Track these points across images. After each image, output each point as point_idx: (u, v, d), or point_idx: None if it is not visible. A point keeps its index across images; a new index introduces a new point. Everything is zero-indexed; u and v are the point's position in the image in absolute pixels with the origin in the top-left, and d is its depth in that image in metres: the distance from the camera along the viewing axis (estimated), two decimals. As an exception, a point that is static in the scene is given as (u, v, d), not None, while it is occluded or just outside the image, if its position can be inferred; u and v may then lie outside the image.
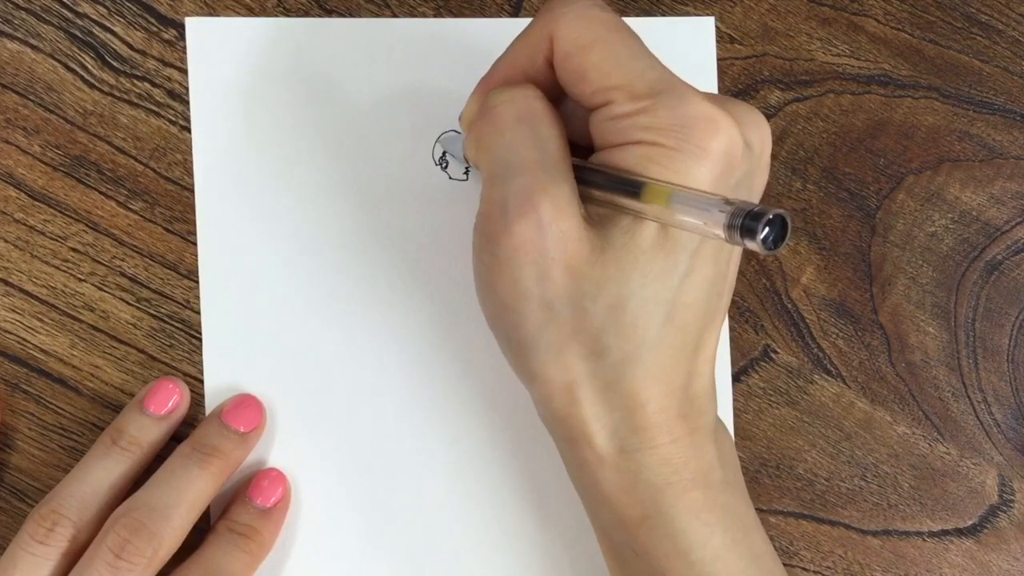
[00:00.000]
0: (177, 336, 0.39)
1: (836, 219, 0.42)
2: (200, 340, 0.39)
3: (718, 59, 0.42)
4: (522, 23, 0.41)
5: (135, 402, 0.37)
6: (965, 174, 0.42)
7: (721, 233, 0.26)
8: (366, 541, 0.39)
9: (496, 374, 0.39)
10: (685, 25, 0.42)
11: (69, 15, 0.39)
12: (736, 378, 0.41)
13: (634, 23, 0.41)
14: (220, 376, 0.39)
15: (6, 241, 0.39)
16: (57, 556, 0.34)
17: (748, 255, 0.41)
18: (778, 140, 0.42)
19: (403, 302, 0.40)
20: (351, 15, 0.40)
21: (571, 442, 0.32)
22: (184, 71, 0.40)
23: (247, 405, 0.38)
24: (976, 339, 0.42)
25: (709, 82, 0.41)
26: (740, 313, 0.41)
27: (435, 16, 0.41)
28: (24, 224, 0.39)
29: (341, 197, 0.40)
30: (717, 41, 0.42)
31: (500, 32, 0.41)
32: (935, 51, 0.43)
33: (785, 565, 0.36)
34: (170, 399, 0.37)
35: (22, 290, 0.39)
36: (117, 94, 0.39)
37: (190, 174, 0.39)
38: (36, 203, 0.39)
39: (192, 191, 0.39)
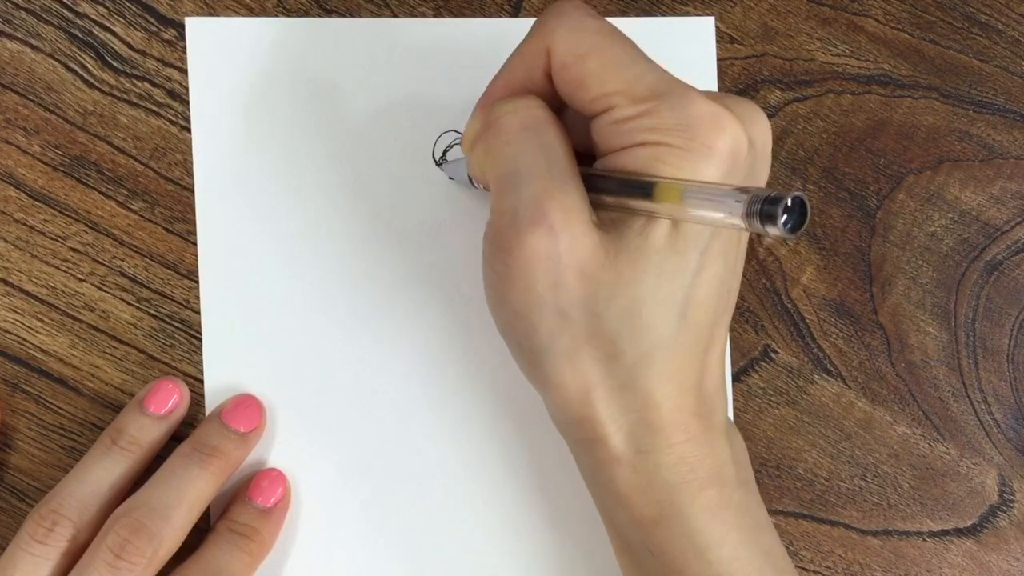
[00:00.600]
0: (177, 336, 0.39)
1: (836, 219, 0.42)
2: (200, 340, 0.39)
3: (718, 59, 0.42)
4: (522, 23, 0.41)
5: (135, 402, 0.37)
6: (965, 174, 0.42)
7: (740, 223, 0.26)
8: (366, 541, 0.39)
9: (496, 373, 0.39)
10: (685, 25, 0.42)
11: (69, 15, 0.39)
12: (736, 378, 0.41)
13: (634, 23, 0.41)
14: (220, 376, 0.39)
15: (6, 241, 0.39)
16: (57, 556, 0.34)
17: (748, 254, 0.41)
18: (778, 140, 0.42)
19: (403, 302, 0.40)
20: (351, 15, 0.40)
21: (586, 444, 0.32)
22: (184, 71, 0.40)
23: (247, 405, 0.38)
24: (976, 339, 0.42)
25: (709, 82, 0.41)
26: (740, 313, 0.41)
27: (435, 16, 0.41)
28: (24, 224, 0.39)
29: (341, 197, 0.40)
30: (717, 41, 0.42)
31: (500, 32, 0.41)
32: (935, 51, 0.43)
33: (785, 565, 0.36)
34: (170, 399, 0.37)
35: (22, 290, 0.39)
36: (117, 94, 0.39)
37: (190, 174, 0.39)
38: (36, 203, 0.39)
39: (192, 191, 0.39)
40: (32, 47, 0.39)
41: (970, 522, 0.41)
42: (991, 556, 0.41)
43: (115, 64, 0.39)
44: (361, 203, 0.40)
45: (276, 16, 0.40)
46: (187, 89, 0.39)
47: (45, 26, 0.39)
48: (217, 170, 0.39)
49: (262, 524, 0.37)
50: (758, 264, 0.41)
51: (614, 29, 0.31)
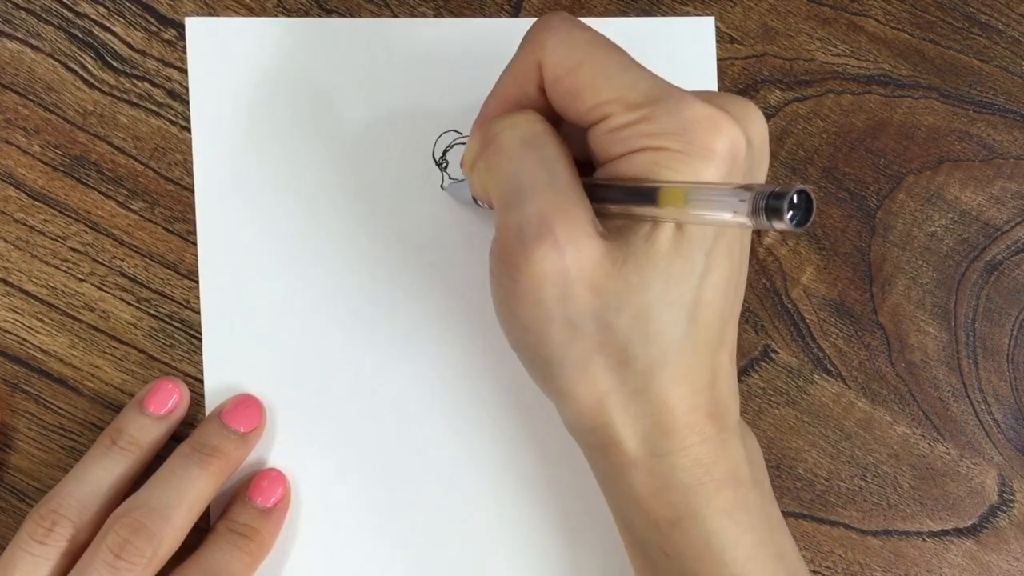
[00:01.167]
0: (177, 336, 0.39)
1: (836, 219, 0.42)
2: (200, 340, 0.39)
3: (718, 59, 0.42)
4: (522, 23, 0.41)
5: (135, 402, 0.37)
6: (965, 174, 0.42)
7: (747, 220, 0.26)
8: (366, 541, 0.39)
9: (497, 372, 0.39)
10: (685, 25, 0.42)
11: (69, 15, 0.39)
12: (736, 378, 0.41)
13: (634, 23, 0.41)
14: (220, 376, 0.39)
15: (6, 241, 0.39)
16: (56, 556, 0.34)
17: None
18: (778, 140, 0.42)
19: (403, 301, 0.40)
20: (351, 15, 0.40)
21: (601, 449, 0.32)
22: (184, 71, 0.40)
23: (247, 405, 0.38)
24: (976, 339, 0.42)
25: (709, 82, 0.41)
26: (740, 313, 0.41)
27: (435, 16, 0.41)
28: (24, 224, 0.39)
29: (341, 197, 0.40)
30: (717, 41, 0.42)
31: (500, 32, 0.41)
32: (935, 51, 0.43)
33: (785, 565, 0.36)
34: (170, 399, 0.37)
35: (22, 290, 0.39)
36: (117, 94, 0.39)
37: (190, 174, 0.39)
38: (36, 203, 0.39)
39: (192, 191, 0.39)
40: (32, 47, 0.39)
41: (970, 522, 0.41)
42: (991, 556, 0.41)
43: (115, 64, 0.39)
44: (361, 202, 0.40)
45: (276, 16, 0.40)
46: (187, 89, 0.39)
47: (45, 26, 0.39)
48: (217, 170, 0.39)
49: (262, 524, 0.37)
50: (758, 264, 0.41)
51: (604, 39, 0.31)
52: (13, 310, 0.39)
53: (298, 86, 0.40)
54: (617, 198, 0.30)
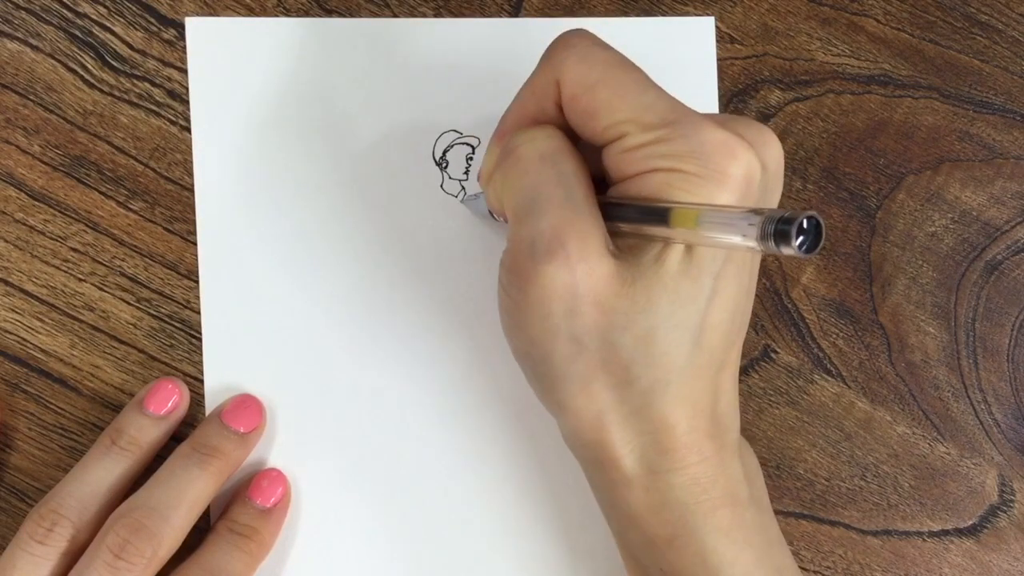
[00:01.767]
0: (177, 336, 0.39)
1: (836, 219, 0.42)
2: (200, 340, 0.39)
3: (718, 59, 0.42)
4: (522, 23, 0.41)
5: (135, 402, 0.37)
6: (965, 174, 0.42)
7: (756, 244, 0.26)
8: (366, 541, 0.39)
9: (497, 373, 0.39)
10: (685, 25, 0.42)
11: (69, 15, 0.39)
12: (736, 378, 0.41)
13: (634, 23, 0.41)
14: (220, 376, 0.39)
15: (6, 241, 0.39)
16: (56, 556, 0.34)
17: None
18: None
19: (403, 301, 0.40)
20: (351, 15, 0.40)
21: (599, 465, 0.32)
22: (184, 71, 0.40)
23: (247, 405, 0.38)
24: (976, 339, 0.42)
25: (709, 82, 0.41)
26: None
27: (435, 16, 0.41)
28: (24, 224, 0.39)
29: (341, 197, 0.40)
30: (717, 41, 0.42)
31: (500, 32, 0.41)
32: (935, 51, 0.43)
33: (785, 565, 0.36)
34: (170, 399, 0.37)
35: (22, 290, 0.39)
36: (117, 94, 0.39)
37: (190, 174, 0.39)
38: (36, 203, 0.39)
39: (192, 191, 0.39)
40: (32, 47, 0.39)
41: (970, 522, 0.41)
42: (991, 556, 0.41)
43: (115, 64, 0.39)
44: (361, 202, 0.40)
45: (276, 16, 0.40)
46: (187, 89, 0.40)
47: (45, 26, 0.39)
48: (217, 170, 0.39)
49: (262, 524, 0.37)
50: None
51: (623, 58, 0.31)
52: (13, 310, 0.39)
53: (298, 86, 0.40)
54: (629, 217, 0.30)
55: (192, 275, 0.39)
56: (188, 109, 0.39)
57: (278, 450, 0.39)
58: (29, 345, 0.39)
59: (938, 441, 0.41)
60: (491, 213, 0.37)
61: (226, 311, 0.39)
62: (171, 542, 0.34)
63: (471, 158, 0.40)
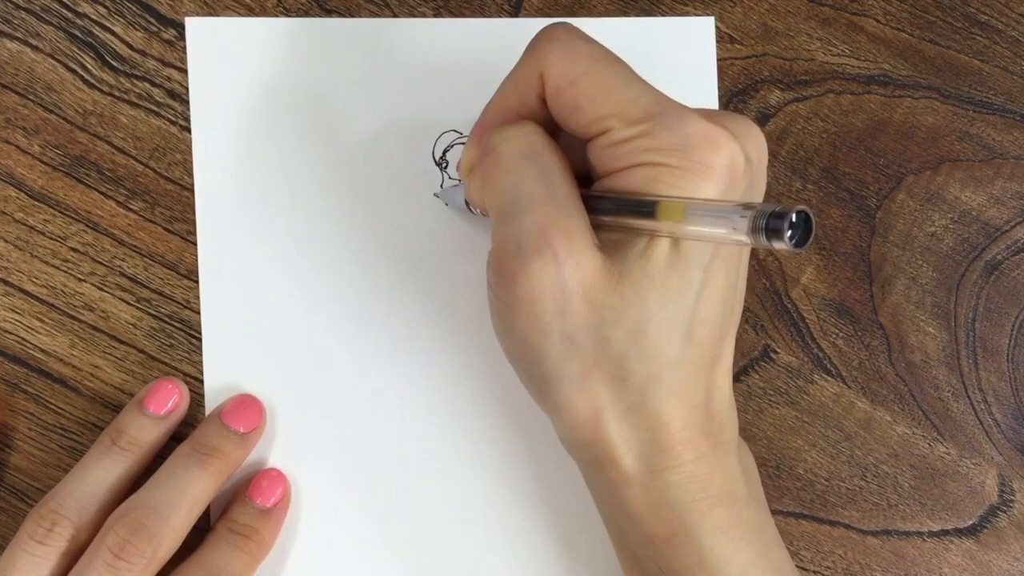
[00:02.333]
0: (177, 336, 0.39)
1: (836, 219, 0.42)
2: (200, 340, 0.39)
3: (718, 59, 0.42)
4: (522, 23, 0.41)
5: (135, 402, 0.37)
6: (965, 174, 0.42)
7: (745, 238, 0.26)
8: (366, 541, 0.39)
9: (496, 374, 0.39)
10: (685, 25, 0.42)
11: (69, 15, 0.39)
12: (736, 378, 0.41)
13: (634, 23, 0.41)
14: (220, 376, 0.39)
15: (6, 241, 0.39)
16: (56, 556, 0.34)
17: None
18: (778, 140, 0.42)
19: (403, 301, 0.40)
20: (351, 15, 0.40)
21: (596, 465, 0.32)
22: (184, 71, 0.40)
23: (247, 405, 0.38)
24: (976, 339, 0.42)
25: (709, 82, 0.41)
26: (739, 319, 0.41)
27: (435, 16, 0.41)
28: (24, 224, 0.39)
29: (341, 197, 0.40)
30: (717, 41, 0.42)
31: (500, 32, 0.41)
32: (935, 51, 0.43)
33: (785, 565, 0.36)
34: (170, 399, 0.37)
35: (22, 290, 0.39)
36: (117, 94, 0.39)
37: (190, 174, 0.39)
38: (36, 203, 0.39)
39: (192, 191, 0.39)
40: (32, 47, 0.39)
41: (970, 522, 0.41)
42: (991, 556, 0.41)
43: (115, 64, 0.39)
44: (361, 202, 0.40)
45: (276, 16, 0.40)
46: (187, 89, 0.40)
47: (45, 26, 0.39)
48: (217, 170, 0.39)
49: (262, 524, 0.37)
50: (758, 264, 0.41)
51: (607, 52, 0.31)
52: (13, 310, 0.39)
53: (298, 86, 0.40)
54: (615, 211, 0.30)
55: (192, 275, 0.39)
56: (188, 109, 0.39)
57: (278, 450, 0.39)
58: (29, 345, 0.39)
59: (938, 441, 0.41)
60: (468, 206, 0.36)
61: (226, 311, 0.39)
62: (171, 542, 0.34)
63: (471, 158, 0.40)
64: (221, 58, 0.40)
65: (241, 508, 0.37)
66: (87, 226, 0.39)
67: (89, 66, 0.39)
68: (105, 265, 0.39)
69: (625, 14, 0.41)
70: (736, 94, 0.42)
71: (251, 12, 0.40)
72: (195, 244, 0.39)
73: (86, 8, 0.39)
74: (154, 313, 0.39)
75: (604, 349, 0.30)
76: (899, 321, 0.42)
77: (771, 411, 0.41)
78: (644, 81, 0.31)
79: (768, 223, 0.26)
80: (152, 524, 0.34)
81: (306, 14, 0.40)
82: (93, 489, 0.35)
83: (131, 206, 0.39)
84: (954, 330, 0.42)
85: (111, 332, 0.39)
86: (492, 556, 0.39)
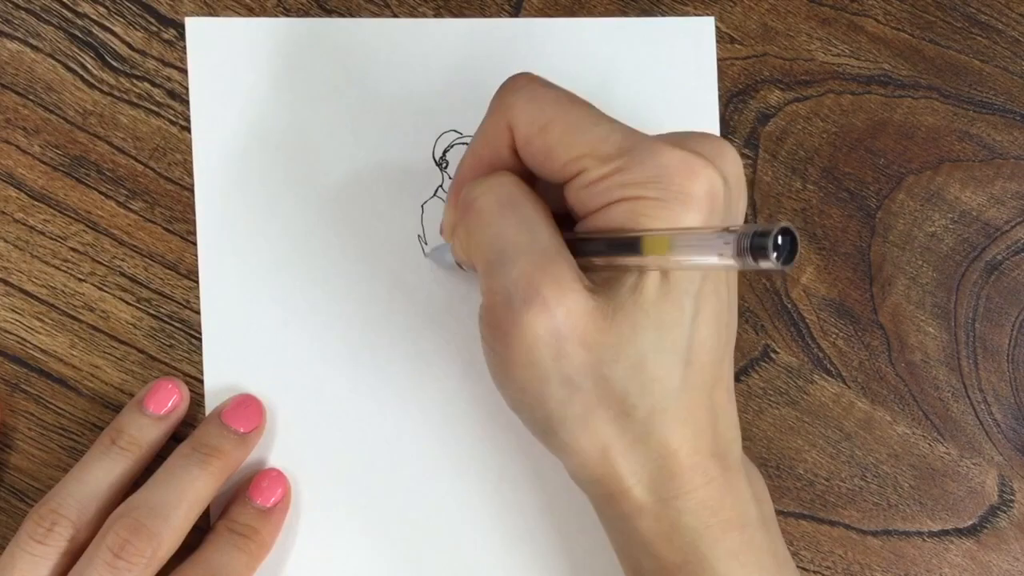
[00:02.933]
0: (177, 336, 0.39)
1: (836, 219, 0.42)
2: (200, 340, 0.39)
3: (718, 59, 0.42)
4: (522, 23, 0.41)
5: (135, 402, 0.37)
6: (965, 174, 0.42)
7: (733, 262, 0.26)
8: (366, 541, 0.39)
9: (496, 374, 0.40)
10: (685, 25, 0.42)
11: (69, 15, 0.39)
12: (736, 378, 0.41)
13: (634, 23, 0.41)
14: (220, 376, 0.39)
15: (6, 241, 0.39)
16: (56, 556, 0.34)
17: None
18: (778, 140, 0.42)
19: (403, 301, 0.40)
20: (351, 15, 0.40)
21: (607, 498, 0.32)
22: (184, 71, 0.40)
23: (247, 405, 0.38)
24: (976, 339, 0.42)
25: (709, 82, 0.41)
26: (740, 313, 0.41)
27: (435, 16, 0.41)
28: (24, 224, 0.39)
29: (340, 196, 0.40)
30: (717, 41, 0.42)
31: (500, 32, 0.41)
32: (935, 51, 0.43)
33: (785, 565, 0.36)
34: (170, 399, 0.37)
35: (22, 290, 0.39)
36: (117, 94, 0.39)
37: (190, 174, 0.39)
38: (36, 203, 0.39)
39: (192, 191, 0.39)
40: (32, 47, 0.39)
41: (970, 522, 0.41)
42: (991, 556, 0.41)
43: (115, 64, 0.39)
44: (360, 202, 0.40)
45: (276, 16, 0.40)
46: (187, 89, 0.40)
47: (45, 26, 0.39)
48: (217, 170, 0.39)
49: (262, 524, 0.37)
50: (758, 264, 0.41)
51: (570, 95, 0.32)
52: (13, 310, 0.39)
53: (298, 86, 0.40)
54: (600, 251, 0.30)
55: (192, 275, 0.39)
56: (188, 109, 0.39)
57: (278, 450, 0.39)
58: (29, 345, 0.39)
59: (938, 441, 0.41)
60: (458, 264, 0.36)
61: (226, 311, 0.39)
62: (171, 542, 0.34)
63: (471, 158, 0.40)
64: (221, 58, 0.40)
65: (241, 508, 0.37)
66: (87, 226, 0.39)
67: (89, 66, 0.39)
68: (105, 265, 0.39)
69: (625, 14, 0.41)
70: (736, 94, 0.42)
71: (251, 12, 0.40)
72: (195, 244, 0.39)
73: (86, 8, 0.39)
74: (154, 313, 0.39)
75: (605, 388, 0.30)
76: (899, 321, 0.42)
77: (771, 411, 0.41)
78: (611, 119, 0.31)
79: (753, 243, 0.25)
80: (152, 524, 0.34)
81: (306, 14, 0.40)
82: (93, 489, 0.35)
83: (131, 206, 0.39)
84: (954, 330, 0.42)
85: (111, 332, 0.39)
86: (492, 556, 0.39)
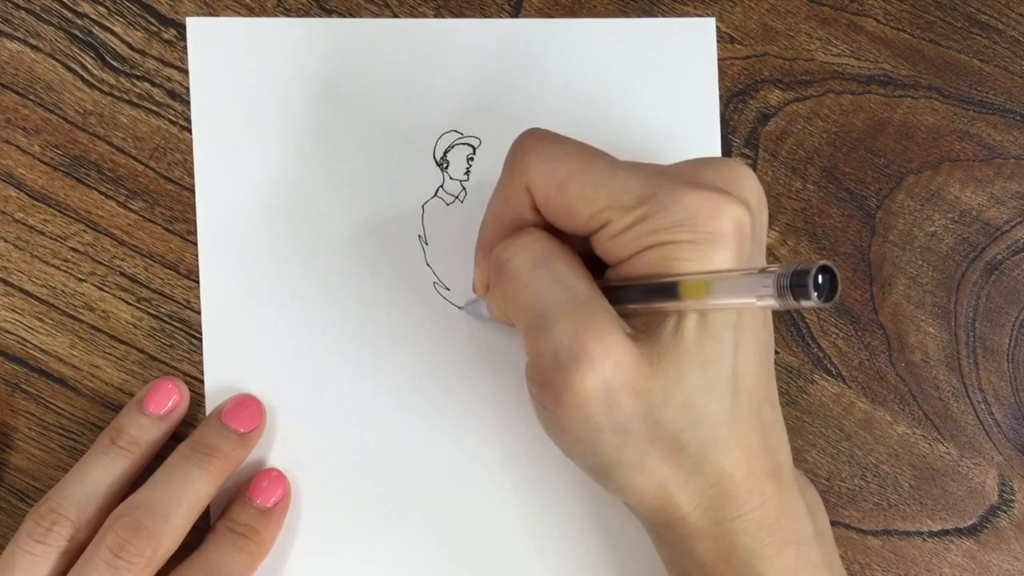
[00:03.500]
0: (177, 336, 0.39)
1: (836, 219, 0.42)
2: (200, 340, 0.39)
3: (718, 59, 0.42)
4: (522, 23, 0.41)
5: (135, 402, 0.37)
6: (965, 174, 0.42)
7: (773, 303, 0.26)
8: (366, 541, 0.39)
9: (496, 374, 0.39)
10: (685, 25, 0.42)
11: (69, 15, 0.39)
12: (736, 378, 0.41)
13: (634, 23, 0.41)
14: (220, 376, 0.39)
15: (6, 241, 0.39)
16: (56, 555, 0.34)
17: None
18: (778, 140, 0.42)
19: (403, 301, 0.40)
20: (351, 15, 0.40)
21: (665, 525, 0.32)
22: (184, 71, 0.40)
23: (247, 405, 0.38)
24: (976, 339, 0.42)
25: (709, 83, 0.41)
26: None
27: (435, 16, 0.41)
28: (24, 224, 0.39)
29: (341, 197, 0.40)
30: (717, 41, 0.42)
31: (500, 32, 0.41)
32: (935, 51, 0.43)
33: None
34: (169, 399, 0.37)
35: (22, 290, 0.39)
36: (117, 94, 0.39)
37: (190, 174, 0.39)
38: (36, 203, 0.39)
39: (192, 191, 0.39)
40: (32, 47, 0.39)
41: (970, 522, 0.41)
42: (991, 556, 0.41)
43: (115, 64, 0.39)
44: (361, 202, 0.40)
45: (276, 16, 0.40)
46: (187, 89, 0.40)
47: (45, 26, 0.39)
48: (217, 170, 0.39)
49: (262, 524, 0.37)
50: (758, 264, 0.41)
51: (582, 147, 0.32)
52: (13, 310, 0.39)
53: (298, 86, 0.40)
54: (637, 297, 0.31)
55: (192, 275, 0.39)
56: (188, 109, 0.39)
57: (278, 450, 0.39)
58: (29, 345, 0.39)
59: (938, 441, 0.41)
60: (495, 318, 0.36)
61: (226, 311, 0.39)
62: (171, 542, 0.34)
63: (471, 159, 0.40)
64: (221, 58, 0.40)
65: (241, 508, 0.37)
66: (87, 226, 0.39)
67: (89, 66, 0.39)
68: (105, 265, 0.39)
69: (625, 14, 0.41)
70: (736, 94, 0.42)
71: (251, 12, 0.40)
72: (195, 244, 0.39)
73: (86, 8, 0.39)
74: (154, 313, 0.39)
75: (657, 430, 0.30)
76: (899, 321, 0.42)
77: (771, 411, 0.41)
78: (626, 165, 0.31)
79: (792, 283, 0.25)
80: (152, 523, 0.34)
81: (306, 14, 0.40)
82: (93, 489, 0.35)
83: (131, 206, 0.39)
84: (954, 330, 0.42)
85: (111, 332, 0.39)
86: (492, 555, 0.39)
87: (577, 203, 0.31)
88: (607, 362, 0.30)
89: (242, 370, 0.39)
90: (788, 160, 0.42)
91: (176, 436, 0.38)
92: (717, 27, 0.42)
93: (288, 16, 0.40)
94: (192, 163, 0.39)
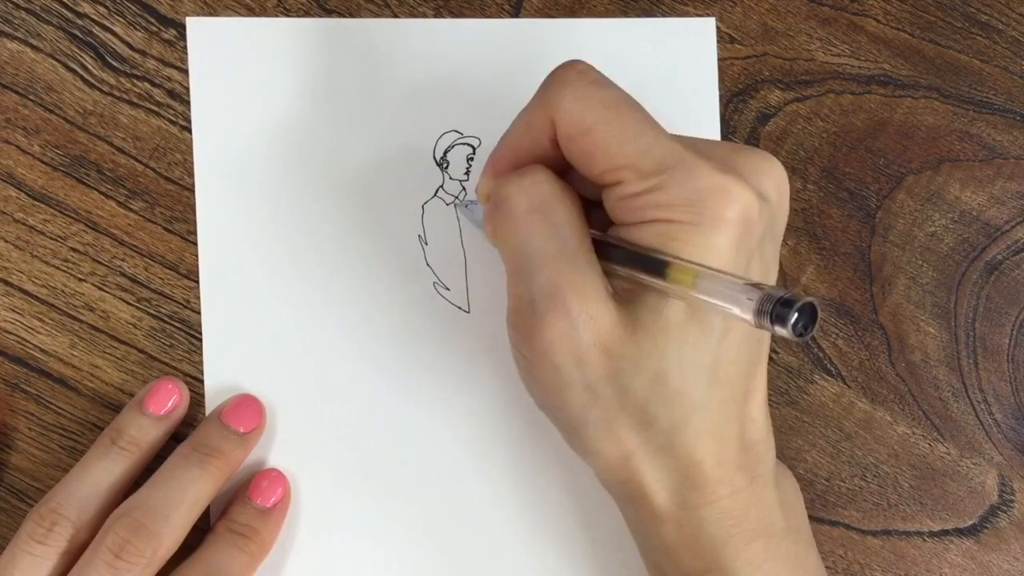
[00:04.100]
0: (177, 336, 0.39)
1: (836, 219, 0.42)
2: (200, 340, 0.39)
3: (718, 59, 0.42)
4: (522, 23, 0.41)
5: (135, 402, 0.37)
6: (965, 174, 0.42)
7: (750, 319, 0.26)
8: (366, 541, 0.39)
9: (496, 374, 0.39)
10: (686, 25, 0.42)
11: (69, 15, 0.39)
12: (736, 378, 0.41)
13: (634, 23, 0.41)
14: (220, 376, 0.39)
15: (6, 241, 0.39)
16: (56, 556, 0.34)
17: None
18: (778, 140, 0.42)
19: (403, 301, 0.40)
20: (351, 15, 0.40)
21: (632, 501, 0.32)
22: (184, 71, 0.40)
23: (247, 405, 0.38)
24: (976, 339, 0.42)
25: (709, 83, 0.41)
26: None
27: (435, 16, 0.41)
28: (24, 224, 0.39)
29: (341, 196, 0.40)
30: (717, 41, 0.42)
31: (500, 32, 0.41)
32: (935, 51, 0.43)
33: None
34: (169, 399, 0.37)
35: (22, 290, 0.39)
36: (117, 94, 0.39)
37: (190, 174, 0.39)
38: (36, 203, 0.39)
39: (192, 191, 0.39)
40: (32, 47, 0.39)
41: (970, 522, 0.41)
42: (991, 556, 0.41)
43: (115, 64, 0.39)
44: (361, 202, 0.40)
45: (276, 16, 0.40)
46: (187, 89, 0.40)
47: (45, 26, 0.39)
48: (217, 170, 0.39)
49: (262, 524, 0.37)
50: (758, 264, 0.41)
51: (620, 96, 0.31)
52: (13, 310, 0.39)
53: (298, 86, 0.40)
54: (627, 262, 0.30)
55: (192, 275, 0.39)
56: (188, 109, 0.39)
57: (278, 450, 0.39)
58: (29, 345, 0.39)
59: (938, 441, 0.41)
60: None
61: (226, 311, 0.39)
62: (171, 542, 0.34)
63: (472, 159, 0.40)
64: (221, 58, 0.40)
65: (241, 508, 0.37)
66: (87, 226, 0.39)
67: (89, 66, 0.39)
68: (105, 265, 0.39)
69: (625, 14, 0.41)
70: (736, 94, 0.42)
71: (251, 12, 0.40)
72: (195, 244, 0.39)
73: (86, 8, 0.39)
74: (154, 313, 0.39)
75: (626, 397, 0.30)
76: (899, 321, 0.42)
77: (771, 411, 0.41)
78: (659, 128, 0.31)
79: (774, 310, 0.25)
80: (152, 524, 0.34)
81: (306, 14, 0.40)
82: (93, 489, 0.35)
83: (131, 206, 0.39)
84: (954, 330, 0.42)
85: (111, 332, 0.39)
86: (492, 555, 0.39)
87: (596, 152, 0.30)
88: (582, 315, 0.29)
89: (242, 370, 0.39)
90: (788, 160, 0.42)
91: (176, 436, 0.38)
92: (717, 27, 0.42)
93: (288, 16, 0.40)
94: (192, 163, 0.39)
